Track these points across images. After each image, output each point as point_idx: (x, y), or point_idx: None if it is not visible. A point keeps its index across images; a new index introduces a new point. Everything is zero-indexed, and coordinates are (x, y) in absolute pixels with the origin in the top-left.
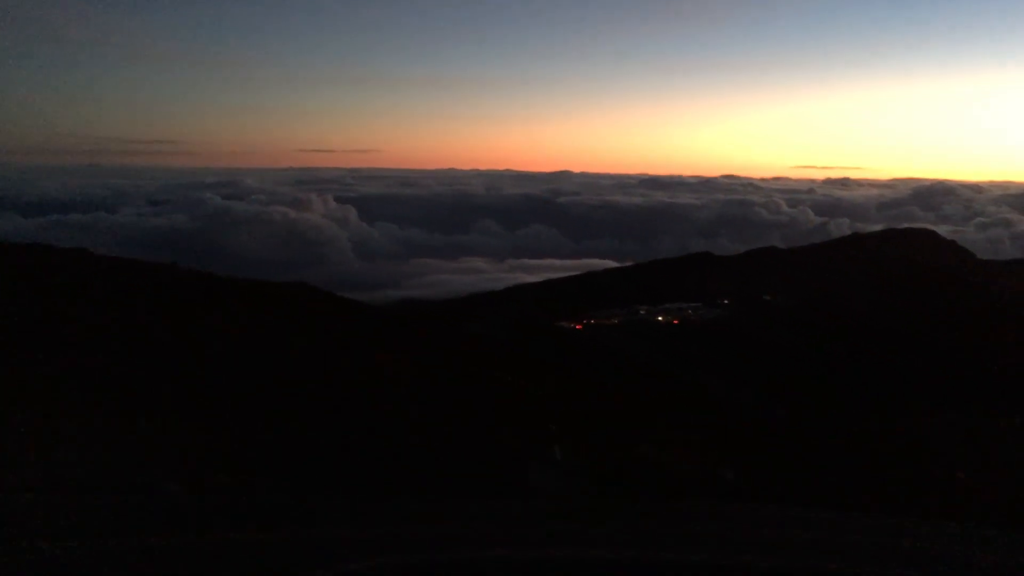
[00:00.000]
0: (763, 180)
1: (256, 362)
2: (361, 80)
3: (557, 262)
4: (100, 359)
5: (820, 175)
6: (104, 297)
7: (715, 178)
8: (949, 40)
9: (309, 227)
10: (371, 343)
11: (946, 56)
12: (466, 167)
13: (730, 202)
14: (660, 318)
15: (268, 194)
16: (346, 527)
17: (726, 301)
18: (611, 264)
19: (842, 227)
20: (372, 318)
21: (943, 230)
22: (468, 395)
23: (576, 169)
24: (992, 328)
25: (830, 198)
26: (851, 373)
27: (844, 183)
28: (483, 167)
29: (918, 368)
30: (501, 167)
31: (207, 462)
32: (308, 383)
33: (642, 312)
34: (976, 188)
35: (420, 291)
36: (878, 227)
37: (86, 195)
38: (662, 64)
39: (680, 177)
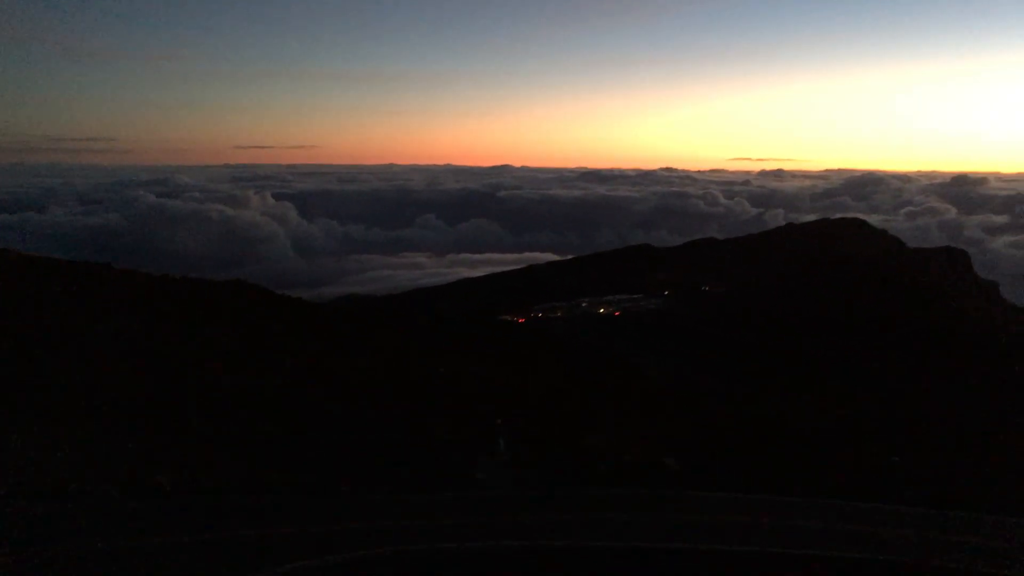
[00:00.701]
0: (700, 172)
1: (196, 362)
2: (298, 76)
3: (498, 256)
4: (33, 363)
5: (755, 167)
6: (35, 300)
7: (653, 171)
8: (878, 32)
9: (247, 224)
10: (314, 341)
11: (876, 48)
12: (406, 162)
13: (668, 194)
14: (602, 310)
15: (204, 191)
16: (292, 525)
17: (666, 292)
18: (552, 257)
19: (777, 217)
20: (314, 315)
21: (874, 219)
22: (415, 391)
23: (516, 163)
24: (923, 315)
25: (765, 189)
26: (788, 360)
27: (778, 174)
28: (423, 162)
29: (852, 353)
30: (441, 162)
31: (146, 464)
32: (250, 382)
33: (584, 304)
34: (904, 178)
35: (361, 287)
36: (812, 217)
37: (14, 195)
38: (600, 58)
39: (619, 170)
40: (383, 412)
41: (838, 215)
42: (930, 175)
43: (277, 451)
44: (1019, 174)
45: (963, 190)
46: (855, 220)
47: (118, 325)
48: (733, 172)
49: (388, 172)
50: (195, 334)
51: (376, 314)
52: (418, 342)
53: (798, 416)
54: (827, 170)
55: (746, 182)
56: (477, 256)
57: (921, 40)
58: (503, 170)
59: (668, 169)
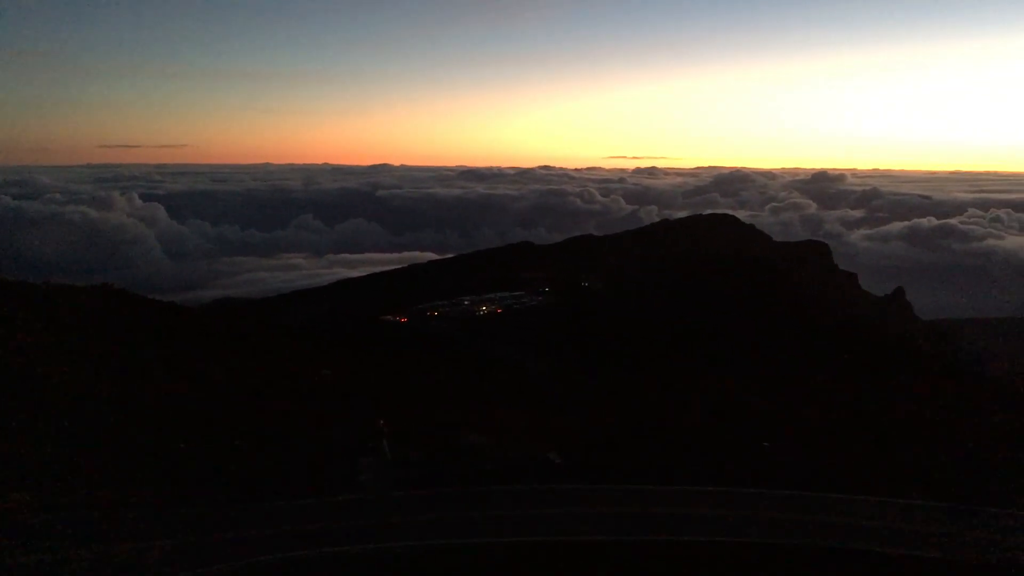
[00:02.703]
0: (577, 170)
1: (57, 370)
2: (169, 72)
3: (378, 256)
4: None
5: (630, 164)
6: None
7: (532, 169)
8: (745, 33)
9: (112, 227)
10: (188, 346)
11: (743, 48)
12: (282, 161)
13: (547, 192)
14: (484, 308)
15: (66, 193)
16: (169, 538)
17: (547, 289)
18: (433, 256)
19: (652, 214)
20: (187, 320)
21: (742, 215)
22: (295, 394)
23: (395, 162)
24: (790, 306)
25: (640, 187)
26: (667, 352)
27: (652, 172)
28: (300, 161)
29: (727, 344)
30: (319, 161)
31: (3, 481)
32: (119, 391)
33: (466, 303)
34: (769, 175)
35: (237, 290)
36: (684, 213)
37: None
38: (479, 56)
39: (498, 168)
40: (262, 418)
41: (709, 211)
42: (793, 172)
43: (149, 462)
44: (874, 170)
45: (823, 186)
46: (725, 216)
47: None
48: (609, 170)
49: (263, 172)
50: (59, 343)
51: (253, 317)
52: (297, 344)
53: (677, 407)
54: (698, 167)
55: (621, 180)
56: (357, 256)
57: (783, 40)
58: (382, 169)
59: (546, 167)
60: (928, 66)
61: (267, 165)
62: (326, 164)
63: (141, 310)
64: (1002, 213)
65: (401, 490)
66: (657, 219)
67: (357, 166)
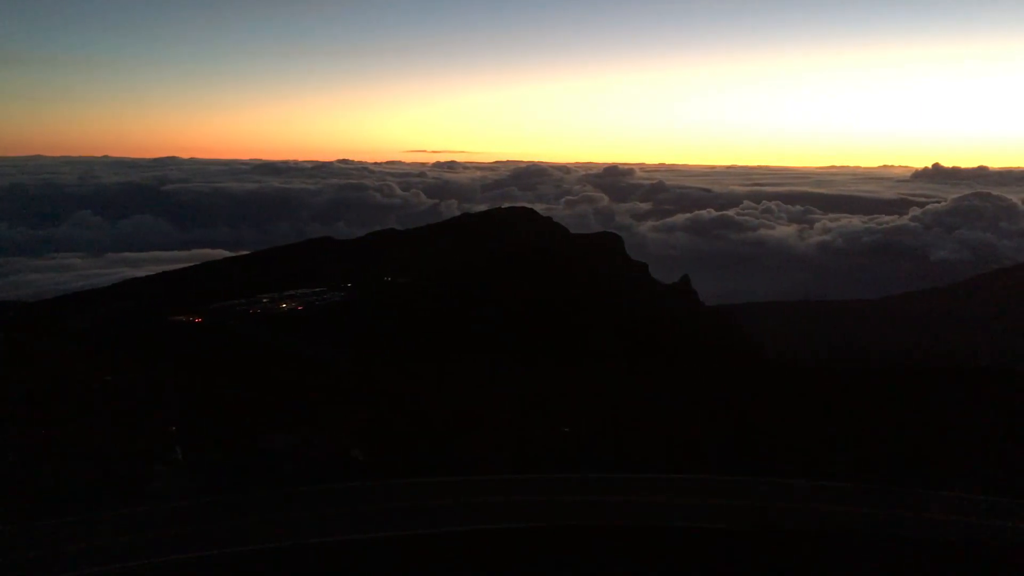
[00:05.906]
0: (377, 164)
1: None
2: None
3: (166, 254)
4: None
5: (430, 159)
6: None
7: (330, 163)
8: (533, 31)
9: None
10: None
11: (532, 45)
12: (55, 154)
13: (346, 186)
14: (285, 305)
15: None
16: None
17: (349, 284)
18: (226, 253)
19: (452, 208)
20: None
21: (539, 208)
22: (74, 404)
23: (183, 155)
24: (586, 297)
25: (440, 181)
26: (470, 346)
27: (452, 166)
28: (76, 154)
29: (529, 336)
30: (97, 154)
31: None
32: None
33: (265, 300)
34: (564, 169)
35: (4, 292)
36: (484, 207)
37: None
38: (273, 46)
39: (295, 162)
40: (36, 430)
41: (507, 204)
42: (586, 166)
43: None
44: (660, 165)
45: (614, 180)
46: (523, 209)
47: None
48: (409, 164)
49: (33, 165)
50: None
51: (25, 322)
52: (74, 349)
53: (481, 399)
54: (496, 162)
55: (422, 174)
56: (141, 255)
57: (571, 40)
58: (169, 162)
59: (345, 161)
60: (703, 64)
61: (38, 158)
62: (106, 156)
63: None
64: (772, 205)
65: (197, 497)
66: (458, 212)
67: (141, 159)
